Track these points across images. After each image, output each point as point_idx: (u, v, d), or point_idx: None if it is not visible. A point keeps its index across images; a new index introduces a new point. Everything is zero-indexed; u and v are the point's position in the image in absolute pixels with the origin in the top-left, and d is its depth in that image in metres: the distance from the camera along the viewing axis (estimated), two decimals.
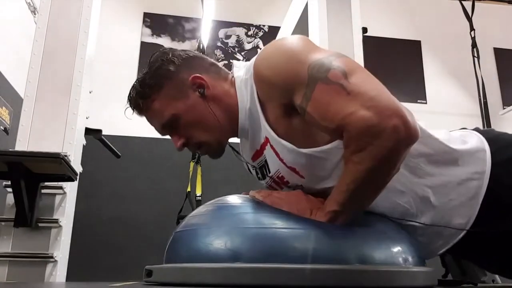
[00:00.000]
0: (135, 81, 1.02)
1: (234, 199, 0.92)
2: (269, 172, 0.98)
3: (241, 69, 1.00)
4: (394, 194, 0.92)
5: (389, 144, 0.74)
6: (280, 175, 0.95)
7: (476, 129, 1.05)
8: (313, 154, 0.88)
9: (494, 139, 0.99)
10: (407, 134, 0.75)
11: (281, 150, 0.90)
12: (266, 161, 0.97)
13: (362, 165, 0.77)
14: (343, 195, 0.81)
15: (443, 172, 0.94)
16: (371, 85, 0.79)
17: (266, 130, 0.91)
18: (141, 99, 0.99)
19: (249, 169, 1.12)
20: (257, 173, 1.06)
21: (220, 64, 1.07)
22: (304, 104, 0.82)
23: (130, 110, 1.02)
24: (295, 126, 0.88)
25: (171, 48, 1.04)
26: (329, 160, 0.88)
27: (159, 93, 0.98)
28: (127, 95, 1.02)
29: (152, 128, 1.05)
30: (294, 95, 0.84)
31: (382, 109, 0.74)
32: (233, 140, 1.08)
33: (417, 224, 0.94)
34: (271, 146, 0.91)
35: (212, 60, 1.06)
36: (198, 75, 0.98)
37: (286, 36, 0.93)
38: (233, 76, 1.01)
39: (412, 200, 0.93)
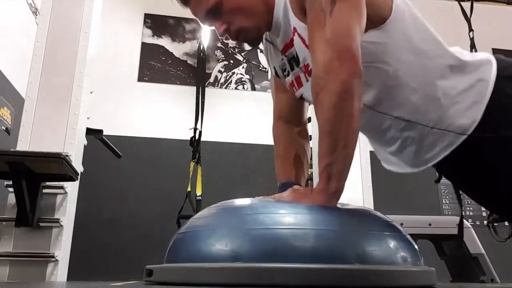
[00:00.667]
0: None
1: (237, 202, 0.93)
2: (299, 63, 1.07)
3: None
4: (408, 90, 1.01)
5: (341, 78, 0.86)
6: (306, 63, 1.04)
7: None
8: None
9: (503, 59, 1.07)
10: (352, 71, 0.86)
11: (307, 35, 0.98)
12: (296, 52, 1.05)
13: (326, 101, 0.87)
14: (326, 144, 0.87)
15: (453, 77, 1.02)
16: (345, 20, 0.90)
17: (294, 20, 1.00)
18: None
19: (275, 73, 1.21)
20: (283, 70, 1.15)
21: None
22: (307, 16, 0.95)
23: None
24: None
25: None
26: None
27: None
28: None
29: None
30: (305, 4, 0.96)
31: (338, 49, 0.87)
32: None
33: (421, 125, 1.02)
34: (299, 35, 1.00)
35: None
36: None
37: None
38: None
39: (423, 97, 1.01)
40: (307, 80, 1.08)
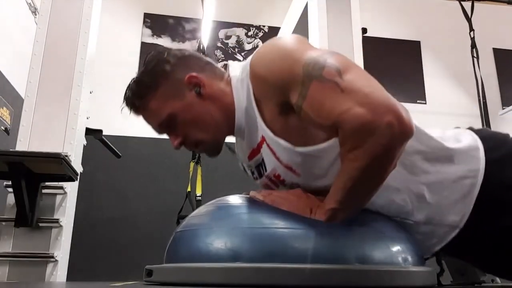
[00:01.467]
0: (131, 81, 1.02)
1: (234, 199, 0.93)
2: (266, 171, 0.98)
3: (237, 69, 1.00)
4: (389, 191, 0.92)
5: (384, 141, 0.74)
6: (276, 174, 0.96)
7: (470, 128, 1.06)
8: (309, 153, 0.88)
9: (487, 137, 1.00)
10: (401, 130, 0.74)
11: (277, 148, 0.90)
12: (263, 159, 0.97)
13: (358, 162, 0.77)
14: (340, 193, 0.81)
15: (438, 170, 0.94)
16: (365, 82, 0.79)
17: (262, 129, 0.91)
18: (137, 98, 1.00)
19: (244, 169, 1.13)
20: (252, 173, 1.06)
21: (217, 63, 1.08)
22: (299, 102, 0.82)
23: (126, 109, 1.03)
24: (291, 125, 0.88)
25: (166, 48, 1.05)
26: (324, 159, 0.88)
27: (155, 93, 0.98)
28: (123, 94, 1.03)
29: (152, 128, 1.05)
30: (289, 93, 0.84)
31: (376, 106, 0.74)
32: (230, 139, 1.08)
33: (411, 222, 0.94)
34: (268, 145, 0.92)
35: (208, 59, 1.06)
36: (194, 74, 0.98)
37: (282, 36, 0.94)
38: (229, 76, 1.01)
39: (407, 197, 0.94)
40: (278, 187, 0.99)
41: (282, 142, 0.89)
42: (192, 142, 1.01)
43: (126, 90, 1.02)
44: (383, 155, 0.76)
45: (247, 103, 0.94)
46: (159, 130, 1.02)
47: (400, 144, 0.77)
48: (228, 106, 0.97)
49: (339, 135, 0.79)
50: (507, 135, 1.03)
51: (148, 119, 1.02)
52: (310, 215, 0.85)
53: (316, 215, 0.84)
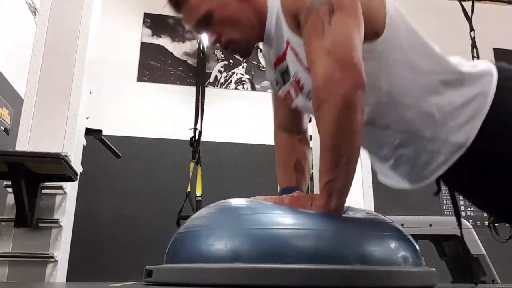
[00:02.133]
0: None
1: (235, 201, 0.93)
2: (290, 77, 1.05)
3: None
4: (401, 107, 0.99)
5: (342, 91, 0.83)
6: (297, 79, 1.02)
7: (490, 61, 1.10)
8: None
9: (504, 68, 1.04)
10: (354, 83, 0.84)
11: (300, 50, 0.96)
12: (287, 66, 1.03)
13: (327, 116, 0.84)
14: (327, 160, 0.85)
15: (449, 92, 0.99)
16: (344, 29, 0.88)
17: (287, 33, 0.98)
18: None
19: (271, 82, 1.19)
20: (276, 83, 1.12)
21: None
22: (302, 25, 0.92)
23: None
24: None
25: None
26: None
27: None
28: None
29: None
30: (299, 15, 0.93)
31: (339, 59, 0.85)
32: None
33: (419, 139, 0.99)
34: (292, 48, 0.98)
35: None
36: None
37: None
38: None
39: (417, 114, 0.99)
40: (297, 96, 1.07)
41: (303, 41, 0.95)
42: (226, 40, 1.07)
43: None
44: (345, 105, 0.83)
45: (277, 10, 1.00)
46: (196, 27, 1.08)
47: (356, 93, 0.84)
48: (262, 11, 1.04)
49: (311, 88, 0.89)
50: None
51: (187, 16, 1.08)
52: (310, 206, 0.88)
53: (316, 201, 0.88)
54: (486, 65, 1.04)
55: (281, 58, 1.05)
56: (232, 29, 1.05)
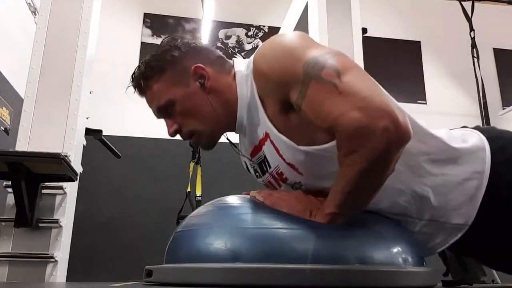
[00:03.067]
0: (141, 62, 1.05)
1: (234, 200, 0.92)
2: (269, 168, 0.98)
3: (243, 64, 1.01)
4: (393, 192, 0.91)
5: (380, 146, 0.74)
6: (279, 171, 0.95)
7: (477, 127, 1.05)
8: (312, 152, 0.88)
9: (495, 137, 0.99)
10: (397, 135, 0.74)
11: (281, 145, 0.90)
12: (265, 156, 0.97)
13: (355, 167, 0.77)
14: (339, 197, 0.81)
15: (443, 172, 0.94)
16: (363, 84, 0.78)
17: (266, 125, 0.91)
18: (142, 79, 1.02)
19: (247, 168, 1.13)
20: (255, 171, 1.06)
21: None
22: (299, 101, 0.83)
23: (130, 89, 1.05)
24: (294, 123, 0.88)
25: (181, 35, 1.08)
26: (328, 159, 0.87)
27: (160, 76, 1.00)
28: (131, 73, 1.05)
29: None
30: (290, 91, 0.84)
31: (372, 110, 0.74)
32: (234, 137, 1.08)
33: (416, 220, 0.94)
34: (271, 141, 0.92)
35: (220, 53, 1.08)
36: (201, 65, 1.00)
37: (286, 32, 0.94)
38: (234, 71, 1.02)
39: (411, 199, 0.93)
40: (280, 186, 0.99)
41: (285, 139, 0.89)
42: (188, 131, 1.01)
43: (135, 69, 1.05)
44: (379, 160, 0.76)
45: (250, 99, 0.94)
46: (158, 114, 1.03)
47: (397, 148, 0.76)
48: (231, 102, 0.98)
49: (336, 139, 0.79)
50: None
51: (149, 101, 1.04)
52: (309, 217, 0.85)
53: (316, 218, 0.84)
54: (476, 138, 0.98)
55: (257, 149, 0.98)
56: (195, 120, 0.99)
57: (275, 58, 0.88)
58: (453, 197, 0.93)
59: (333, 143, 0.84)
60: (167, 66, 1.00)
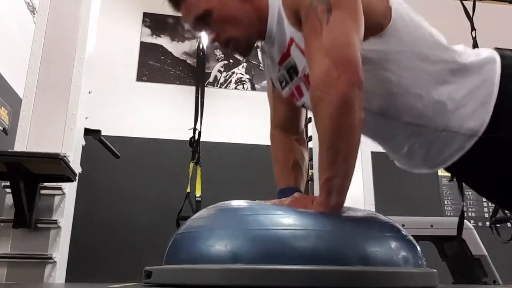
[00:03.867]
0: None
1: (235, 203, 0.93)
2: (298, 73, 1.04)
3: None
4: (413, 97, 1.00)
5: (339, 89, 0.84)
6: (306, 73, 1.01)
7: (494, 48, 1.11)
8: None
9: (507, 55, 1.05)
10: (356, 84, 0.84)
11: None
12: (294, 62, 1.03)
13: (325, 113, 0.85)
14: (326, 157, 0.86)
15: (457, 80, 1.01)
16: (343, 28, 0.89)
17: (290, 31, 0.99)
18: None
19: (273, 84, 1.20)
20: (281, 82, 1.12)
21: None
22: (303, 25, 0.93)
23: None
24: None
25: None
26: None
27: None
28: None
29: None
30: (300, 13, 0.93)
31: (336, 58, 0.85)
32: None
33: (432, 129, 1.01)
34: (297, 45, 0.99)
35: None
36: None
37: None
38: None
39: (428, 103, 1.00)
40: (308, 91, 1.06)
41: None
42: (225, 38, 1.06)
43: None
44: (342, 102, 0.84)
45: (279, 7, 1.00)
46: (195, 25, 1.07)
47: (353, 91, 0.84)
48: (263, 9, 1.03)
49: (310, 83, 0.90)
50: None
51: (186, 14, 1.06)
52: (311, 205, 0.88)
53: (316, 201, 0.88)
54: (489, 52, 1.06)
55: (286, 55, 1.04)
56: (231, 27, 1.04)
57: None
58: (466, 103, 0.99)
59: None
60: None
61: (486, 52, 1.06)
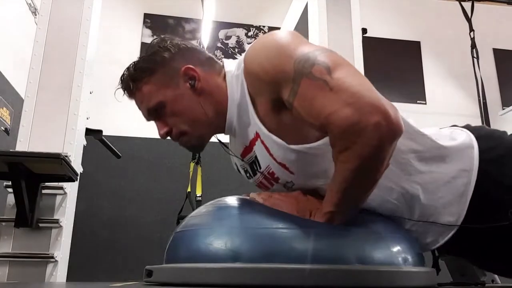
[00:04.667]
0: (130, 64, 1.04)
1: (233, 200, 0.93)
2: (260, 168, 0.98)
3: (233, 64, 1.00)
4: (383, 190, 0.91)
5: (372, 142, 0.73)
6: (270, 171, 0.95)
7: (467, 126, 1.06)
8: (303, 151, 0.88)
9: (484, 136, 0.99)
10: (389, 129, 0.74)
11: (271, 145, 0.90)
12: (256, 157, 0.97)
13: (349, 164, 0.77)
14: (336, 196, 0.81)
15: (432, 169, 0.94)
16: (354, 80, 0.78)
17: (256, 125, 0.91)
18: (132, 81, 1.01)
19: (238, 169, 1.13)
20: (246, 172, 1.06)
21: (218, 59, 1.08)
22: (291, 99, 0.83)
23: (120, 92, 1.05)
24: (285, 122, 0.88)
25: (170, 36, 1.07)
26: (319, 157, 0.88)
27: (150, 78, 0.99)
28: (120, 75, 1.05)
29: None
30: (281, 89, 0.84)
31: (362, 106, 0.73)
32: (224, 138, 1.08)
33: (405, 219, 0.95)
34: (262, 141, 0.91)
35: (210, 54, 1.06)
36: (191, 66, 0.98)
37: (276, 31, 0.93)
38: (224, 71, 1.01)
39: (401, 196, 0.93)
40: (272, 186, 0.99)
41: (275, 138, 0.88)
42: (177, 133, 1.00)
43: (124, 71, 1.04)
44: (373, 156, 0.75)
45: (240, 99, 0.93)
46: (148, 116, 1.03)
47: (389, 143, 0.76)
48: (221, 103, 0.97)
49: (329, 136, 0.79)
50: (504, 133, 1.03)
51: (139, 103, 1.04)
52: (309, 217, 0.85)
53: (315, 217, 0.85)
54: (465, 136, 0.99)
55: (248, 149, 0.98)
56: (184, 122, 0.98)
57: (266, 57, 0.87)
58: (443, 195, 0.93)
59: (324, 140, 0.84)
60: (157, 67, 0.99)
61: (461, 136, 0.99)
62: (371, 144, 0.74)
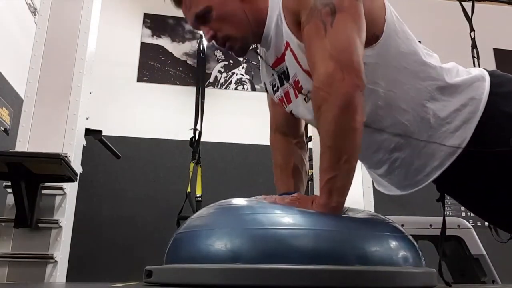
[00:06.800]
0: None
1: (236, 201, 0.93)
2: (289, 78, 1.05)
3: None
4: (397, 111, 1.01)
5: (343, 90, 0.85)
6: (296, 79, 1.03)
7: (484, 69, 1.11)
8: None
9: (498, 74, 1.07)
10: (355, 83, 0.86)
11: (298, 53, 0.97)
12: (286, 67, 1.04)
13: (328, 116, 0.86)
14: (328, 158, 0.86)
15: (444, 98, 1.02)
16: (347, 33, 0.89)
17: (287, 34, 0.99)
18: None
19: (265, 88, 1.21)
20: (273, 87, 1.13)
21: None
22: (303, 26, 0.93)
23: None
24: None
25: None
26: None
27: None
28: None
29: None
30: (301, 14, 0.94)
31: (340, 62, 0.86)
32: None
33: (414, 141, 1.01)
34: (291, 50, 0.99)
35: None
36: None
37: None
38: None
39: (412, 118, 1.01)
40: (296, 97, 1.07)
41: (302, 46, 0.96)
42: (223, 36, 1.06)
43: None
44: (346, 104, 0.85)
45: (279, 10, 1.01)
46: (195, 22, 1.07)
47: (356, 93, 0.86)
48: (262, 10, 1.04)
49: (313, 83, 0.90)
50: None
51: (186, 10, 1.08)
52: (311, 205, 0.88)
53: (317, 201, 0.88)
54: (480, 70, 1.07)
55: (280, 60, 1.05)
56: (229, 26, 1.05)
57: None
58: (450, 120, 1.01)
59: None
60: None
61: (476, 71, 1.07)
62: (343, 93, 0.85)
